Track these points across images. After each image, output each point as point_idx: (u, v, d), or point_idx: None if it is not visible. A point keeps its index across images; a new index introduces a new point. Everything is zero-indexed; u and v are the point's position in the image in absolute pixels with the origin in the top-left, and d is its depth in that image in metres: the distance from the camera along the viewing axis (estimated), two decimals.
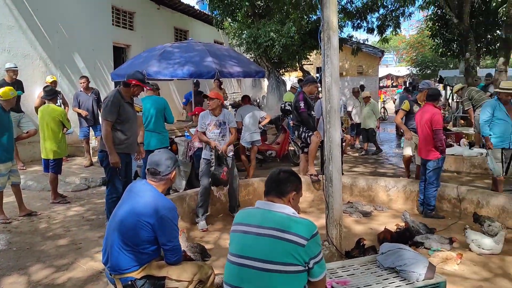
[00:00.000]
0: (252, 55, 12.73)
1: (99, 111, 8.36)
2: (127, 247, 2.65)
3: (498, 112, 5.93)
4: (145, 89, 5.02)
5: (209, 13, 14.23)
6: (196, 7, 15.25)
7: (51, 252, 4.44)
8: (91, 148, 8.73)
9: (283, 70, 14.32)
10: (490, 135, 6.03)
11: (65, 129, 6.39)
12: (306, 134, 6.63)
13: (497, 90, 6.00)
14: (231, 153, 5.54)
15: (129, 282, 2.69)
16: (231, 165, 5.50)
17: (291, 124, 7.85)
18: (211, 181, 5.31)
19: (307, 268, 2.12)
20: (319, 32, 4.04)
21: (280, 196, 2.28)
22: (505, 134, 5.91)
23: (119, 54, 12.13)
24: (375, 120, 10.87)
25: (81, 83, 8.41)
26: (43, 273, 3.93)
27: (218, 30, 13.46)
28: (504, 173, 6.06)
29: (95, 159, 8.79)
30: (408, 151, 7.07)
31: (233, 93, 17.52)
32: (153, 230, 2.63)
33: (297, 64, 15.81)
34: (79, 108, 8.31)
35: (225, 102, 11.79)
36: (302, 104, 6.56)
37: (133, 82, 4.70)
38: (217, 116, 5.37)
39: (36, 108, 7.90)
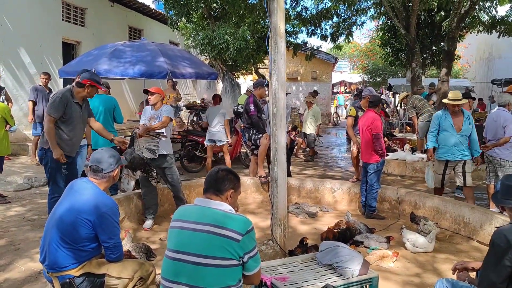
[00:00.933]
0: (207, 57, 12.74)
1: None
2: (65, 244, 2.62)
3: (444, 123, 5.81)
4: (99, 90, 4.91)
5: (165, 13, 14.11)
6: (152, 6, 15.07)
7: None
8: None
9: (238, 73, 14.43)
10: (432, 147, 6.04)
11: (8, 126, 6.16)
12: (256, 137, 6.76)
13: (445, 101, 5.81)
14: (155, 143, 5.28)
15: (67, 280, 2.66)
16: (168, 162, 5.44)
17: (242, 127, 7.97)
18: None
19: (241, 262, 2.22)
20: (267, 37, 4.16)
21: (217, 194, 2.36)
22: (447, 145, 5.74)
23: (69, 50, 11.77)
24: (315, 126, 10.98)
25: (43, 78, 8.11)
26: None
27: (173, 31, 13.36)
28: (442, 185, 6.02)
29: None
30: (354, 149, 7.32)
31: (188, 94, 17.44)
32: (93, 227, 2.63)
33: (252, 68, 15.98)
34: (35, 102, 7.99)
35: (179, 103, 11.73)
36: (252, 107, 6.70)
37: (88, 82, 4.60)
38: (157, 110, 5.39)
39: None
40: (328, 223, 5.37)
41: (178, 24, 12.85)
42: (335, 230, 4.98)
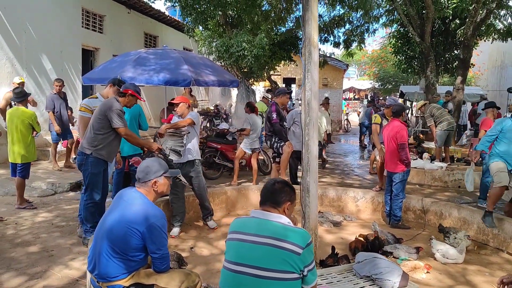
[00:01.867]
0: (223, 64, 12.84)
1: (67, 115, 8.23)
2: (116, 254, 2.66)
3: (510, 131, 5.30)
4: (138, 101, 4.98)
5: (181, 20, 14.23)
6: (167, 13, 15.20)
7: (22, 260, 4.32)
8: (57, 153, 8.50)
9: (252, 79, 14.51)
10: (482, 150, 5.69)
11: (34, 132, 6.23)
12: (278, 144, 6.79)
13: None
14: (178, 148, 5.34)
15: None
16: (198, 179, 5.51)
17: (263, 134, 7.99)
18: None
19: (301, 275, 2.23)
20: (300, 48, 4.20)
21: (275, 206, 2.38)
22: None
23: (87, 57, 11.89)
24: (322, 133, 10.81)
25: (56, 86, 8.14)
26: (16, 281, 3.83)
27: (190, 38, 13.47)
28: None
29: (61, 164, 8.59)
30: (379, 158, 7.29)
31: (201, 100, 17.53)
32: (143, 238, 2.65)
33: (265, 74, 16.06)
34: (54, 110, 8.05)
35: (194, 109, 11.80)
36: (274, 115, 6.74)
37: (129, 92, 4.69)
38: (184, 118, 5.40)
39: (1, 110, 7.63)
40: (354, 233, 5.37)
41: (195, 31, 12.96)
42: (363, 240, 4.98)
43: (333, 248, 4.54)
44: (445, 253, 4.65)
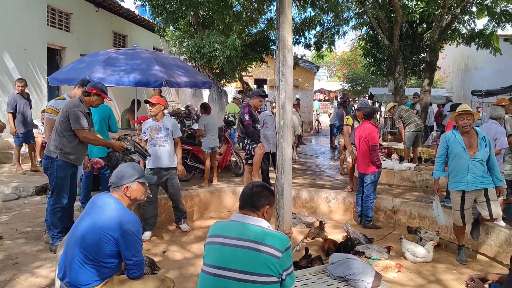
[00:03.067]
0: (194, 65, 12.72)
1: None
2: (88, 261, 2.57)
3: (453, 146, 4.64)
4: (105, 100, 4.84)
5: (151, 20, 14.01)
6: (136, 12, 14.93)
7: None
8: (21, 156, 8.19)
9: (224, 80, 14.46)
10: (439, 177, 4.94)
11: None
12: (251, 146, 6.76)
13: (452, 117, 4.76)
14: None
15: None
16: (173, 181, 5.46)
17: (236, 136, 7.97)
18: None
19: (280, 279, 2.23)
20: (274, 51, 4.20)
21: (254, 210, 2.38)
22: (460, 173, 4.60)
23: (53, 56, 11.52)
24: (297, 127, 10.86)
25: (18, 86, 7.80)
26: None
27: (160, 38, 13.28)
28: (463, 223, 4.70)
29: (25, 167, 8.28)
30: (350, 160, 7.36)
31: (172, 101, 17.31)
32: (117, 244, 2.58)
33: (237, 75, 16.03)
34: (15, 112, 7.71)
35: (165, 111, 11.64)
36: (247, 117, 6.72)
37: (94, 91, 4.55)
38: (159, 121, 5.34)
39: None
40: (327, 234, 5.41)
41: (165, 31, 12.79)
42: (336, 241, 5.04)
43: (306, 249, 4.57)
44: (414, 252, 4.77)
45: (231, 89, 20.16)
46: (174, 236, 5.42)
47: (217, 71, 13.00)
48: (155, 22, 13.29)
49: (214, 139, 8.04)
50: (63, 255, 2.70)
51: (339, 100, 23.07)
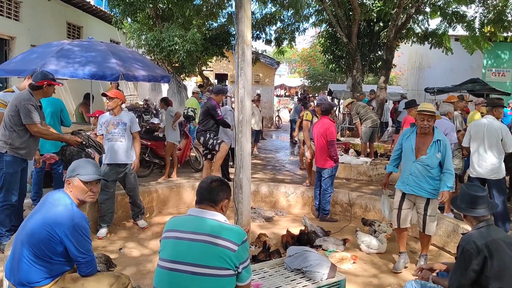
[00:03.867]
0: (153, 58, 12.46)
1: None
2: (37, 259, 2.49)
3: (405, 143, 4.40)
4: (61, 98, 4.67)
5: (108, 11, 13.58)
6: (92, 2, 14.43)
7: None
8: None
9: (184, 75, 14.26)
10: (391, 172, 4.70)
11: None
12: (215, 141, 6.71)
13: (413, 114, 4.27)
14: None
15: None
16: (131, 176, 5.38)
17: (197, 130, 7.91)
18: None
19: (236, 272, 2.25)
20: (234, 45, 4.19)
21: (212, 205, 2.37)
22: (404, 173, 4.38)
23: (1, 46, 10.94)
24: (259, 123, 10.98)
25: None
26: None
27: (118, 30, 12.90)
28: (398, 224, 4.46)
29: None
30: (308, 155, 7.46)
31: (130, 95, 16.91)
32: (62, 242, 2.51)
33: (197, 70, 15.87)
34: None
35: (123, 105, 11.36)
36: (219, 111, 6.75)
37: (45, 83, 4.36)
38: (116, 115, 5.22)
39: None
40: (285, 227, 5.49)
41: (123, 23, 12.44)
42: (294, 234, 5.12)
43: (264, 243, 4.62)
44: (369, 244, 4.93)
45: (191, 83, 19.93)
46: (131, 233, 5.33)
47: (176, 65, 12.79)
48: (112, 14, 12.89)
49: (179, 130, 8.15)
50: (11, 253, 2.60)
51: (299, 96, 23.36)
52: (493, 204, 2.92)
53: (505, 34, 12.68)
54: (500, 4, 12.06)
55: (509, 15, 12.28)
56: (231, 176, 7.69)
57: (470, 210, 2.77)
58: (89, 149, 4.86)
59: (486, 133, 5.40)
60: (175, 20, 12.13)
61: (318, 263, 3.49)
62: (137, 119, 5.45)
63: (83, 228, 2.58)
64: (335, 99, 18.48)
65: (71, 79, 7.13)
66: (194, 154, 9.29)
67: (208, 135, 6.70)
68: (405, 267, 4.44)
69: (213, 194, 2.38)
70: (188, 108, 9.52)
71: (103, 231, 5.08)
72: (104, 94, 5.34)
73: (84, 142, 4.79)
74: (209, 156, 7.03)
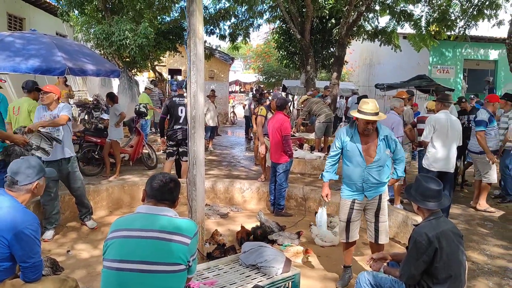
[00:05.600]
0: (102, 53, 12.02)
1: None
2: None
3: (349, 147, 3.82)
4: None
5: (53, 2, 12.94)
6: None
7: None
8: None
9: (135, 70, 13.88)
10: (329, 179, 4.11)
11: None
12: None
13: (355, 114, 3.75)
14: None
15: None
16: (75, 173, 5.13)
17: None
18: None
19: (188, 266, 2.23)
20: (185, 39, 4.10)
21: (171, 204, 2.35)
22: (353, 181, 3.84)
23: None
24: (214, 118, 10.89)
25: None
26: None
27: (64, 22, 12.32)
28: (347, 238, 3.97)
29: None
30: (262, 150, 7.45)
31: (78, 91, 16.25)
32: (10, 246, 2.35)
33: (150, 65, 15.51)
34: None
35: (70, 100, 10.90)
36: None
37: None
38: (52, 111, 4.95)
39: None
40: (241, 223, 5.47)
41: (70, 15, 11.90)
42: (249, 230, 5.11)
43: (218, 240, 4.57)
44: (322, 237, 5.00)
45: (144, 78, 19.46)
46: (80, 234, 5.11)
47: (127, 59, 12.42)
48: (57, 5, 12.30)
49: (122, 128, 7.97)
50: None
51: (254, 92, 23.40)
52: (447, 198, 3.01)
53: (448, 33, 13.28)
54: (444, 4, 12.63)
55: (452, 15, 12.89)
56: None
57: (425, 203, 2.82)
58: (37, 152, 4.56)
59: (450, 128, 5.64)
60: (126, 13, 11.75)
61: (272, 258, 3.48)
62: (70, 107, 5.17)
63: (33, 229, 2.45)
64: (289, 95, 18.67)
65: (13, 73, 6.74)
66: (147, 151, 9.07)
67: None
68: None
69: (174, 194, 2.37)
70: (140, 104, 9.29)
71: (49, 234, 4.83)
72: (38, 89, 5.05)
73: (31, 143, 4.50)
74: (185, 158, 6.91)
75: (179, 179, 2.51)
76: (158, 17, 14.34)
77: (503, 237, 5.56)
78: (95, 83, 16.77)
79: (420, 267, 2.67)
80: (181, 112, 6.70)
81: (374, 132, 3.77)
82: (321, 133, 10.08)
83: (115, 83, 14.52)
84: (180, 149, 6.81)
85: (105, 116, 9.04)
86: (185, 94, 6.48)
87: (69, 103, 9.24)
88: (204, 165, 4.27)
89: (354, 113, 3.73)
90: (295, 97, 18.38)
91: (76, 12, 11.96)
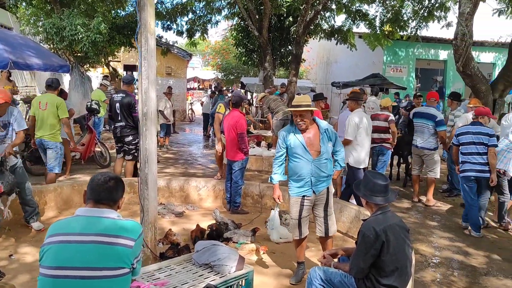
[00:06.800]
0: (52, 47, 11.49)
1: None
2: None
3: (293, 143, 3.86)
4: None
5: None
6: None
7: None
8: None
9: (88, 65, 13.38)
10: (278, 181, 4.16)
11: None
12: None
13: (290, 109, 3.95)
14: (17, 159, 4.89)
15: None
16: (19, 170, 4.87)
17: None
18: None
19: (131, 269, 2.14)
20: (136, 33, 3.97)
21: (112, 204, 2.24)
22: (302, 177, 3.88)
23: None
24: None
25: None
26: None
27: (10, 14, 11.68)
28: (300, 235, 4.01)
29: None
30: (218, 148, 7.37)
31: (25, 87, 15.48)
32: None
33: (104, 60, 15.03)
34: None
35: (15, 96, 10.36)
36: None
37: None
38: (2, 116, 4.67)
39: None
40: (196, 222, 5.39)
41: (18, 7, 11.30)
42: (204, 229, 5.04)
43: (171, 241, 4.48)
44: (278, 234, 5.00)
45: (97, 74, 18.83)
46: (25, 237, 4.86)
47: (79, 55, 11.95)
48: None
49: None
50: None
51: (212, 89, 23.24)
52: (393, 193, 3.07)
53: (401, 33, 13.71)
54: (397, 5, 13.02)
55: (405, 16, 13.32)
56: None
57: (372, 198, 2.89)
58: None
59: (368, 126, 5.92)
60: (77, 6, 11.29)
61: (226, 256, 3.44)
62: (21, 112, 4.92)
63: None
64: (248, 92, 18.69)
65: None
66: (100, 149, 8.77)
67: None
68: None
69: (113, 193, 2.25)
70: (92, 100, 8.97)
71: None
72: None
73: None
74: (128, 157, 6.73)
75: (121, 178, 2.39)
76: (113, 11, 13.91)
77: (449, 229, 5.81)
78: (45, 79, 16.05)
79: (368, 260, 2.72)
80: (118, 109, 6.58)
81: (315, 127, 3.88)
82: (279, 130, 10.11)
83: (66, 78, 13.97)
84: (122, 148, 6.68)
85: None
86: (136, 91, 6.32)
87: (14, 100, 8.76)
88: (156, 163, 4.17)
89: (289, 108, 3.90)
90: (254, 94, 18.42)
91: (24, 3, 11.37)
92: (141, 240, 2.20)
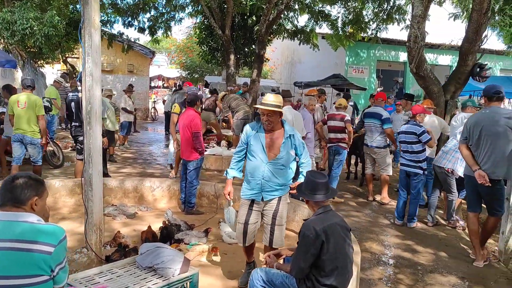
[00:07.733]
0: (3, 42, 10.98)
1: None
2: None
3: (253, 142, 3.71)
4: None
5: None
6: None
7: None
8: None
9: (42, 61, 12.87)
10: (233, 177, 3.97)
11: None
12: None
13: (257, 106, 3.87)
14: None
15: None
16: None
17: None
18: None
19: (52, 276, 2.03)
20: (80, 28, 3.84)
21: (18, 205, 2.07)
22: (254, 178, 3.68)
23: None
24: (115, 123, 9.84)
25: None
26: None
27: None
28: (244, 240, 3.83)
29: None
30: (173, 147, 7.21)
31: None
32: None
33: (60, 56, 14.53)
34: None
35: None
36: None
37: None
38: None
39: None
40: (149, 223, 5.28)
41: None
42: (155, 230, 4.94)
43: (120, 242, 4.36)
44: (231, 234, 4.97)
45: (54, 71, 18.19)
46: None
47: (32, 50, 11.49)
48: None
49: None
50: None
51: (176, 87, 22.95)
52: (333, 190, 3.11)
53: (362, 35, 13.96)
54: (359, 7, 13.24)
55: (366, 17, 13.57)
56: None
57: (311, 196, 2.91)
58: None
59: (300, 122, 6.11)
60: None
61: (170, 259, 3.36)
62: None
63: None
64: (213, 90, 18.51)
65: None
66: (52, 149, 8.45)
67: None
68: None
69: (17, 192, 2.07)
70: (44, 98, 8.65)
71: None
72: None
73: None
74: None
75: (36, 176, 2.24)
76: (70, 6, 13.47)
77: (401, 227, 5.94)
78: None
79: (308, 260, 2.72)
80: (73, 108, 6.72)
81: (281, 130, 3.69)
82: (239, 130, 10.08)
83: (19, 74, 13.41)
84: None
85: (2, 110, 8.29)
86: (79, 88, 6.22)
87: None
88: (101, 163, 4.04)
89: (257, 105, 3.71)
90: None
91: None
92: (63, 245, 2.06)
